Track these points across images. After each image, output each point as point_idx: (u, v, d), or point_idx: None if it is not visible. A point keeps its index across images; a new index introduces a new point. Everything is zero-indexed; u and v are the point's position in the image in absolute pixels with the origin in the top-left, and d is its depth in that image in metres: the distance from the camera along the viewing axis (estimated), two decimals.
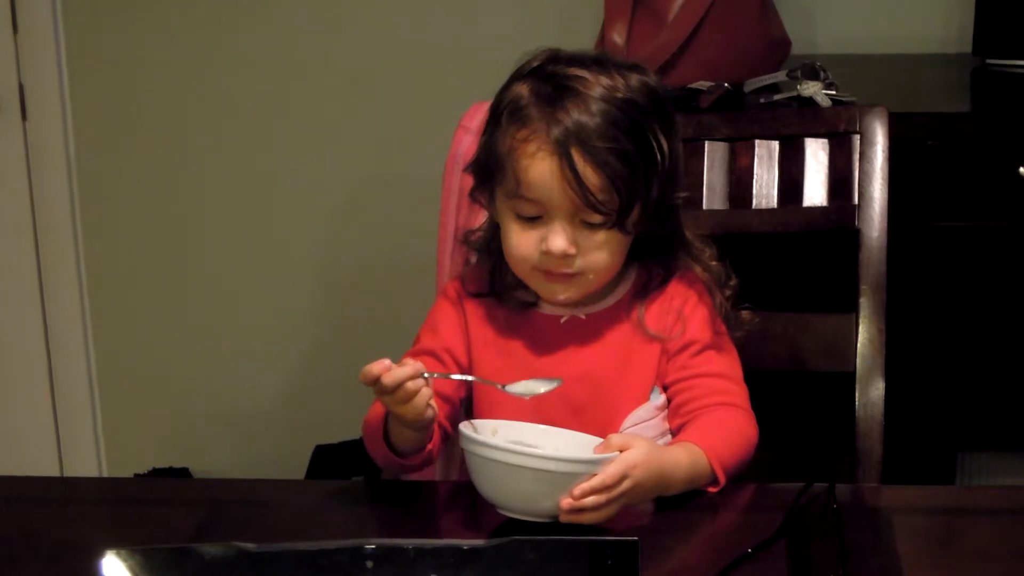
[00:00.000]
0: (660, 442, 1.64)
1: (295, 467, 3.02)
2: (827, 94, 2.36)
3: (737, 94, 2.39)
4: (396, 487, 1.66)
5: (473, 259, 1.77)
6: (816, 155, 1.91)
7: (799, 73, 2.42)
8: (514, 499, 1.45)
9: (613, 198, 1.55)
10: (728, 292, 1.68)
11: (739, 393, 1.65)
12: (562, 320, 1.66)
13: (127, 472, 3.08)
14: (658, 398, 1.66)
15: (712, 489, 1.56)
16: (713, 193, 1.92)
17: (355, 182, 3.04)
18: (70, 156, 3.06)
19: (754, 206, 1.91)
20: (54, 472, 3.16)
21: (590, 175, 1.54)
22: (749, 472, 1.62)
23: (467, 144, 2.02)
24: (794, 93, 2.38)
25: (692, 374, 1.64)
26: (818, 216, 1.90)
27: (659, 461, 1.49)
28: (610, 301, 1.67)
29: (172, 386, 3.18)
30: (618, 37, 2.48)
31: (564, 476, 1.42)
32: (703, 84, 2.39)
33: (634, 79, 1.59)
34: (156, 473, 3.07)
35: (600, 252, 1.58)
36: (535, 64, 1.61)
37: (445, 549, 1.07)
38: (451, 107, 2.14)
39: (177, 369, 3.17)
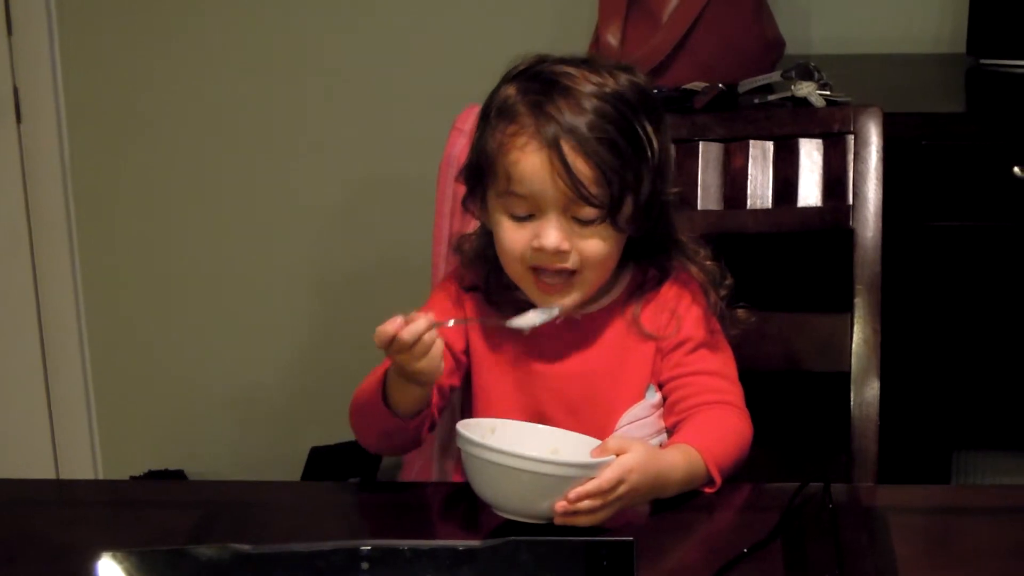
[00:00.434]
0: (656, 440, 1.65)
1: (291, 469, 3.02)
2: (821, 94, 2.37)
3: (731, 95, 2.40)
4: (392, 489, 1.66)
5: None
6: (810, 155, 1.91)
7: (793, 73, 2.43)
8: (510, 501, 1.46)
9: (604, 190, 1.55)
10: (723, 292, 1.68)
11: (734, 391, 1.65)
12: (557, 320, 1.66)
13: (123, 474, 3.07)
14: (653, 396, 1.66)
15: (708, 490, 1.56)
16: (708, 193, 1.92)
17: (350, 184, 3.04)
18: (65, 159, 3.06)
19: (749, 206, 1.91)
20: (49, 475, 3.16)
21: (581, 167, 1.54)
22: (745, 472, 1.62)
23: (461, 146, 2.02)
24: (788, 93, 2.39)
25: (686, 372, 1.65)
26: (813, 216, 1.90)
27: (655, 464, 1.49)
28: (605, 301, 1.67)
29: (168, 388, 3.18)
30: (612, 38, 2.48)
31: (561, 480, 1.42)
32: (697, 85, 2.40)
33: (623, 78, 1.60)
34: (152, 475, 3.07)
35: (594, 248, 1.58)
36: (523, 67, 1.62)
37: (441, 550, 1.07)
38: (445, 109, 2.14)
39: (173, 371, 3.17)
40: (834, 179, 1.89)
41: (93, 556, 1.05)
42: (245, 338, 3.13)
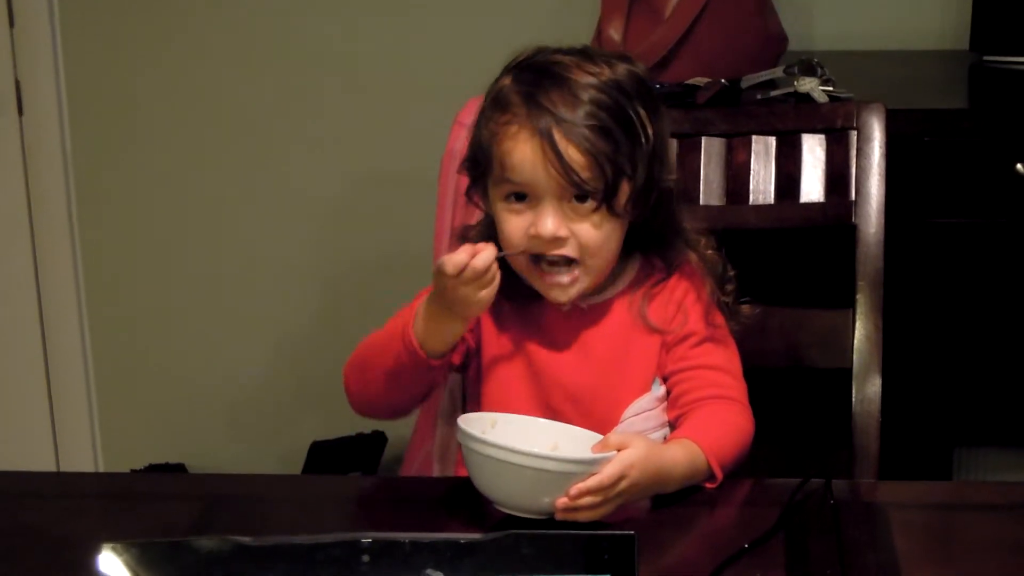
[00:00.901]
0: (660, 433, 1.65)
1: (292, 464, 3.02)
2: (824, 90, 2.37)
3: (734, 90, 2.40)
4: (393, 482, 1.66)
5: None
6: (813, 151, 1.91)
7: (796, 69, 2.43)
8: (511, 496, 1.45)
9: (597, 175, 1.56)
10: (729, 288, 1.69)
11: (736, 387, 1.65)
12: (563, 309, 1.66)
13: (123, 468, 3.07)
14: (659, 389, 1.66)
15: (709, 485, 1.56)
16: (710, 189, 1.92)
17: (352, 178, 3.04)
18: (66, 152, 3.06)
19: (751, 202, 1.91)
20: (50, 467, 3.16)
21: (573, 153, 1.55)
22: (746, 468, 1.62)
23: (463, 140, 2.01)
24: (791, 89, 2.38)
25: (690, 365, 1.65)
26: (815, 212, 1.90)
27: (657, 460, 1.49)
28: (611, 293, 1.67)
29: (168, 382, 3.18)
30: (615, 33, 2.48)
31: (562, 476, 1.42)
32: (700, 80, 2.40)
33: (620, 67, 1.60)
34: (152, 469, 3.07)
35: (591, 234, 1.58)
36: (521, 58, 1.63)
37: (441, 543, 1.07)
38: (447, 103, 2.14)
39: (174, 365, 3.17)
40: (836, 175, 1.89)
41: (93, 548, 1.05)
42: (246, 331, 3.13)
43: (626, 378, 1.65)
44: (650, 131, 1.59)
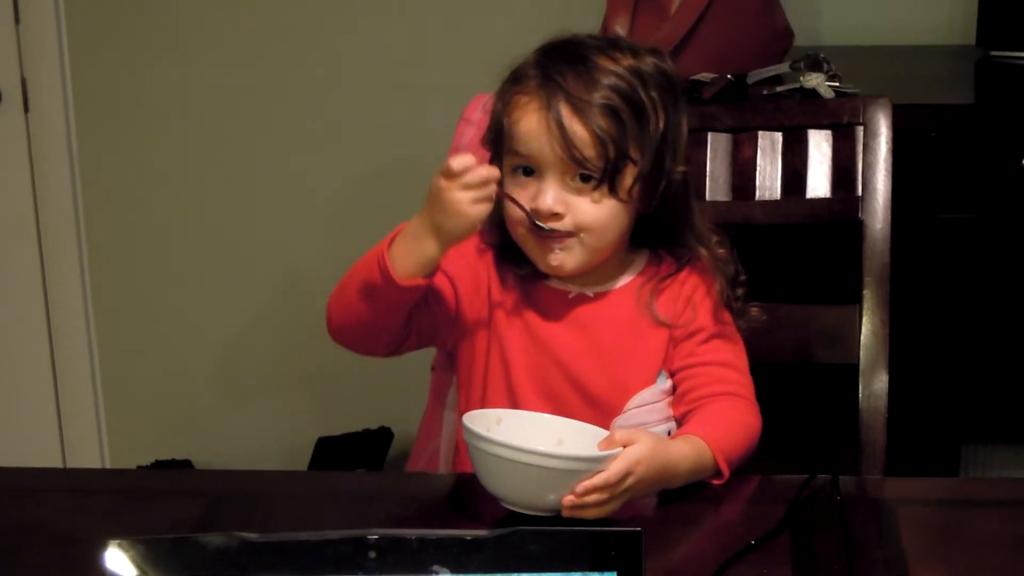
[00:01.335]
0: (663, 427, 1.65)
1: (298, 460, 3.02)
2: (830, 85, 2.36)
3: (740, 86, 2.39)
4: (399, 479, 1.66)
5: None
6: (819, 146, 1.90)
7: (802, 64, 2.43)
8: (517, 494, 1.45)
9: (600, 155, 1.56)
10: (740, 291, 1.69)
11: (744, 383, 1.65)
12: (570, 296, 1.66)
13: (130, 464, 3.08)
14: (664, 383, 1.66)
15: (716, 482, 1.56)
16: (716, 184, 1.92)
17: (358, 175, 3.04)
18: (72, 148, 3.06)
19: (757, 197, 1.91)
20: (57, 464, 3.16)
21: (577, 128, 1.56)
22: (753, 464, 1.61)
23: (469, 136, 2.02)
24: (797, 84, 2.38)
25: (698, 362, 1.65)
26: (821, 208, 1.90)
27: (663, 456, 1.49)
28: (618, 284, 1.68)
29: (175, 378, 3.18)
30: (620, 29, 2.48)
31: (567, 473, 1.42)
32: (706, 76, 2.39)
33: (647, 59, 1.62)
34: (158, 465, 3.07)
35: (590, 212, 1.59)
36: (550, 41, 1.64)
37: (448, 540, 1.07)
38: (454, 100, 2.14)
39: (179, 361, 3.17)
40: (843, 170, 1.88)
41: (99, 545, 1.05)
42: (253, 328, 3.13)
43: (631, 369, 1.65)
44: (662, 119, 1.60)
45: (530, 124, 1.58)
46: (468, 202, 1.53)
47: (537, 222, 1.59)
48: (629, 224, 1.64)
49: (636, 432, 1.49)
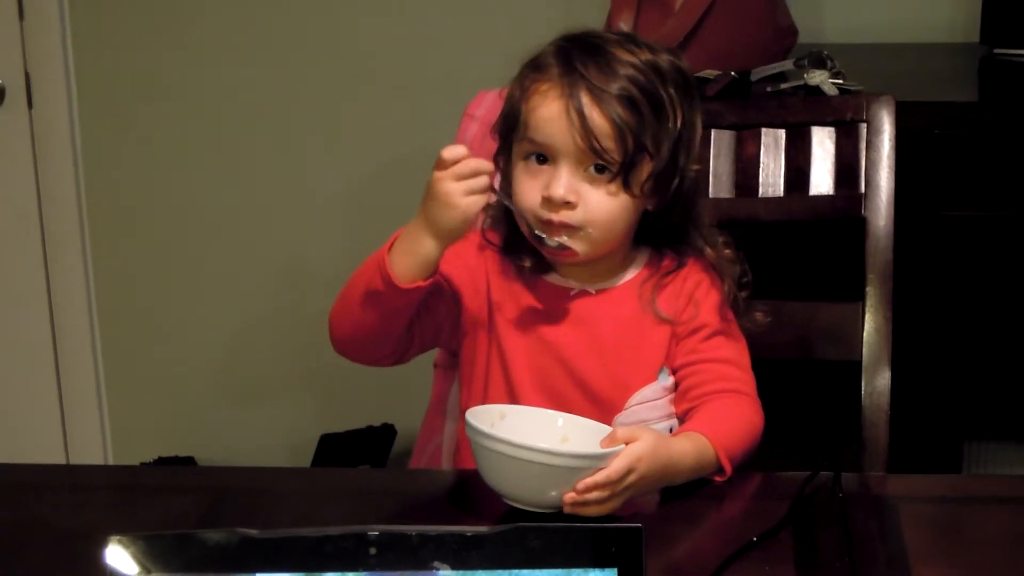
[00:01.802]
0: (665, 424, 1.65)
1: (301, 456, 3.02)
2: (834, 83, 2.37)
3: (744, 83, 2.39)
4: (401, 475, 1.66)
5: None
6: (823, 144, 1.90)
7: (806, 62, 2.43)
8: (519, 490, 1.45)
9: (618, 146, 1.56)
10: (744, 293, 1.68)
11: (746, 380, 1.65)
12: (572, 292, 1.66)
13: (133, 461, 3.08)
14: (666, 379, 1.66)
15: (718, 479, 1.56)
16: (719, 181, 1.92)
17: (361, 172, 3.04)
18: (76, 144, 3.06)
19: (760, 194, 1.91)
20: (60, 460, 3.17)
21: (597, 118, 1.56)
22: (755, 461, 1.61)
23: (472, 132, 2.02)
24: (801, 82, 2.38)
25: (700, 359, 1.65)
26: (825, 205, 1.90)
27: (664, 453, 1.48)
28: (620, 281, 1.68)
29: (178, 374, 3.18)
30: (624, 25, 2.48)
31: (569, 470, 1.42)
32: (710, 73, 2.39)
33: (663, 56, 1.63)
34: (161, 462, 3.07)
35: (601, 204, 1.59)
36: (570, 33, 1.65)
37: (449, 536, 1.07)
38: (457, 96, 2.14)
39: (183, 358, 3.17)
40: (846, 167, 1.88)
41: (101, 541, 1.05)
42: (256, 325, 3.14)
43: (633, 366, 1.65)
44: (680, 116, 1.61)
45: (550, 111, 1.58)
46: (460, 193, 1.52)
47: (537, 232, 1.59)
48: (635, 221, 1.64)
49: (638, 429, 1.49)
